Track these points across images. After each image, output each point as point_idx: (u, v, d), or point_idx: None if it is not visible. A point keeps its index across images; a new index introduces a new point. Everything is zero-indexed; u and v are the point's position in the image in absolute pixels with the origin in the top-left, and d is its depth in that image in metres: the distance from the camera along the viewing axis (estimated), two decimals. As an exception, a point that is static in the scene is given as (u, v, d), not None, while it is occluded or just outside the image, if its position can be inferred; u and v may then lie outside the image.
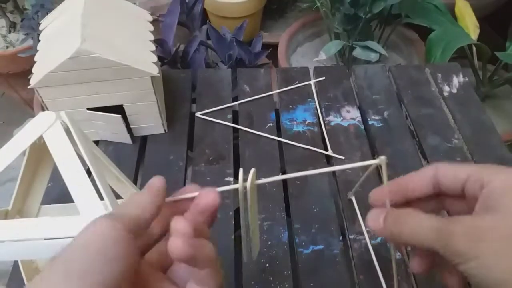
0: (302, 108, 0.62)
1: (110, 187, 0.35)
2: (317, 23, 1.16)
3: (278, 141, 0.58)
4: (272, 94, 0.63)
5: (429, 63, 0.88)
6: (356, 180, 0.53)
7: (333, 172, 0.54)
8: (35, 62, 0.50)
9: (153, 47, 0.54)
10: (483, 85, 1.02)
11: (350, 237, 0.48)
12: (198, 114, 0.60)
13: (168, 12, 0.83)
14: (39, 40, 0.53)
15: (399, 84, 0.65)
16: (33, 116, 0.37)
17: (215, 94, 0.63)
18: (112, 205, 0.32)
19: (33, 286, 0.20)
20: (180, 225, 0.22)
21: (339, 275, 0.45)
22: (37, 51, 0.51)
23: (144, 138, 0.58)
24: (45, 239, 0.30)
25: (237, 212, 0.50)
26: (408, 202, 0.30)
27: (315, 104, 0.62)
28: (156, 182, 0.25)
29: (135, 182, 0.54)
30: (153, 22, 0.58)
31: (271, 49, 0.93)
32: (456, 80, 0.66)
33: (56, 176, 0.36)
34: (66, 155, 0.32)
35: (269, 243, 0.47)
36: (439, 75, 0.67)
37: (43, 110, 0.46)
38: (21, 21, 1.01)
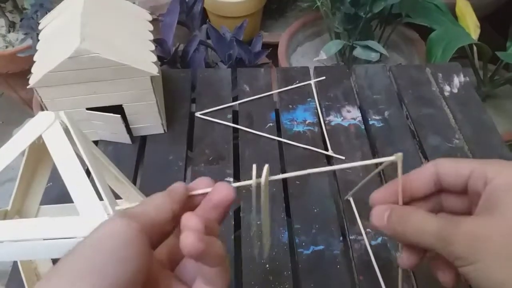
0: (302, 108, 0.62)
1: (110, 187, 0.35)
2: (317, 23, 1.16)
3: (278, 141, 0.57)
4: (272, 94, 0.63)
5: (429, 63, 0.88)
6: (356, 180, 0.53)
7: (333, 172, 0.54)
8: (34, 61, 0.50)
9: (152, 46, 0.54)
10: (484, 85, 1.02)
11: (350, 237, 0.48)
12: (197, 114, 0.60)
13: (168, 12, 0.83)
14: (38, 40, 0.52)
15: (400, 84, 0.65)
16: (32, 116, 0.37)
17: (215, 94, 0.63)
18: (111, 205, 0.32)
19: (44, 283, 0.20)
20: (192, 221, 0.22)
21: (340, 276, 0.45)
22: (36, 50, 0.51)
23: (144, 138, 0.58)
24: (44, 239, 0.30)
25: (237, 212, 0.50)
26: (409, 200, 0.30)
27: (315, 104, 0.62)
28: (178, 187, 0.25)
29: (134, 182, 0.54)
30: (153, 21, 0.58)
31: (271, 48, 0.92)
32: (457, 80, 0.66)
33: (55, 176, 0.36)
34: (65, 155, 0.32)
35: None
36: (440, 75, 0.66)
37: (42, 110, 0.46)
38: (20, 20, 1.00)
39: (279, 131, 0.60)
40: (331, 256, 0.46)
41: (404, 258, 0.29)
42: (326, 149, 0.57)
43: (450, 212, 0.30)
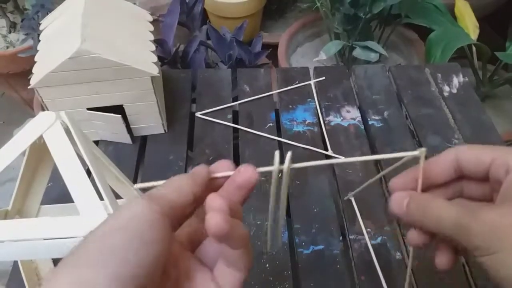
0: (302, 108, 0.62)
1: (110, 187, 0.35)
2: (317, 23, 1.16)
3: (278, 141, 0.58)
4: (272, 94, 0.63)
5: (429, 63, 0.88)
6: (356, 180, 0.53)
7: (333, 172, 0.54)
8: (35, 62, 0.50)
9: (153, 47, 0.54)
10: (483, 85, 1.02)
11: (350, 237, 0.48)
12: (198, 114, 0.60)
13: (168, 12, 0.83)
14: (39, 40, 0.53)
15: (399, 84, 0.65)
16: (33, 116, 0.37)
17: (215, 94, 0.63)
18: (112, 205, 0.32)
19: (65, 261, 0.20)
20: (217, 202, 0.21)
21: (339, 276, 0.45)
22: (37, 51, 0.51)
23: (144, 138, 0.58)
24: (44, 239, 0.30)
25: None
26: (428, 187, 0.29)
27: (315, 104, 0.62)
28: (201, 170, 0.24)
29: (135, 182, 0.54)
30: (153, 22, 0.58)
31: (271, 49, 0.93)
32: (456, 80, 0.66)
33: (56, 176, 0.36)
34: (66, 155, 0.32)
35: (269, 243, 0.47)
36: (439, 75, 0.67)
37: (43, 110, 0.46)
38: (22, 21, 1.00)
39: (279, 131, 0.60)
40: (331, 255, 0.46)
41: (414, 235, 0.28)
42: (326, 149, 0.57)
43: (471, 199, 0.30)
